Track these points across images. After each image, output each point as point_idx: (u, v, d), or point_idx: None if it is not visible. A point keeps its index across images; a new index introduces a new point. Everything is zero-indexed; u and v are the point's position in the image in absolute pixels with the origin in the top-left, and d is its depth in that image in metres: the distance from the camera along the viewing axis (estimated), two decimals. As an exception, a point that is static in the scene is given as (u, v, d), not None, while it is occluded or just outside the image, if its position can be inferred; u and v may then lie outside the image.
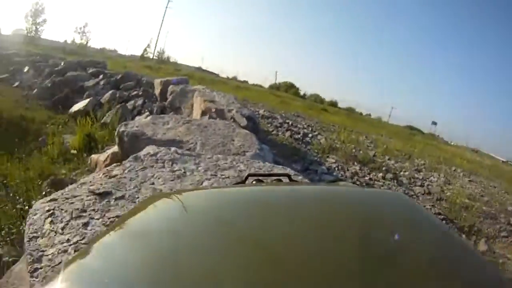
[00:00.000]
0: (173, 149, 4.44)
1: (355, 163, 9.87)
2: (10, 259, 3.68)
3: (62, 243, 2.44)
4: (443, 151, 19.07)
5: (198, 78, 23.87)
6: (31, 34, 50.78)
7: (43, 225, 2.56)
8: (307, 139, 11.12)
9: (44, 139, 10.40)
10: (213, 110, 9.03)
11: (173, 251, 1.17)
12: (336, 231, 1.31)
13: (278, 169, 4.49)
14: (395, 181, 9.32)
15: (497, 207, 9.20)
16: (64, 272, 1.06)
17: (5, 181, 6.36)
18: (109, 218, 2.72)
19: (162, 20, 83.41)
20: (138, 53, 51.31)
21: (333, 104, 45.93)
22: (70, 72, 18.22)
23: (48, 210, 2.71)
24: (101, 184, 3.17)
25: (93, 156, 7.61)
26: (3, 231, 4.70)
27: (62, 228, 2.57)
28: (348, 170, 9.19)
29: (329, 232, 1.29)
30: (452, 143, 38.08)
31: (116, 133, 6.14)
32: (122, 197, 3.04)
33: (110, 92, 14.90)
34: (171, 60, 51.28)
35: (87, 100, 14.06)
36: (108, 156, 6.59)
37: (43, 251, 2.38)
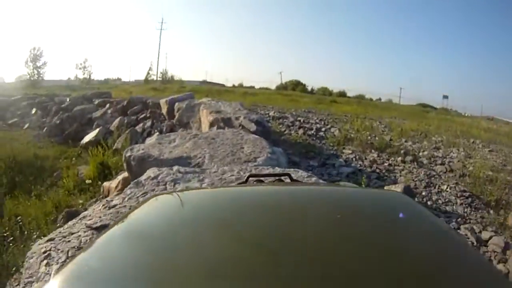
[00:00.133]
0: (175, 168, 4.33)
1: (372, 151, 9.73)
2: None
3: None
4: (459, 124, 18.71)
5: (205, 91, 23.88)
6: (34, 78, 51.26)
7: (39, 268, 2.49)
8: (321, 133, 11.00)
9: (59, 173, 10.48)
10: (220, 120, 8.92)
11: (174, 250, 1.18)
12: (336, 231, 1.32)
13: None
14: (415, 163, 9.12)
15: (521, 175, 8.89)
16: (65, 272, 1.08)
17: (19, 220, 6.30)
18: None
19: (159, 42, 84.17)
20: (142, 77, 51.57)
21: (342, 94, 45.99)
22: (77, 107, 18.34)
23: (45, 252, 2.64)
24: (100, 217, 3.08)
25: (105, 183, 7.55)
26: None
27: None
28: (366, 158, 9.06)
29: (330, 232, 1.31)
30: (466, 115, 37.63)
31: (123, 159, 6.08)
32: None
33: (118, 118, 14.98)
34: (176, 78, 51.47)
35: (97, 130, 14.15)
36: (119, 182, 6.51)
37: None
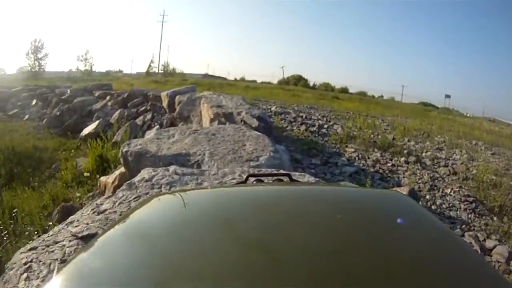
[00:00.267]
0: (172, 169, 4.17)
1: (375, 150, 9.58)
2: None
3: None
4: (461, 124, 18.56)
5: (207, 84, 23.76)
6: (35, 69, 51.56)
7: (18, 283, 2.34)
8: (323, 130, 10.85)
9: (57, 165, 10.51)
10: (221, 115, 8.77)
11: (173, 250, 1.18)
12: (336, 231, 1.30)
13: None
14: (419, 164, 8.98)
15: (525, 180, 8.76)
16: (64, 271, 1.08)
17: (14, 214, 6.15)
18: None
19: (161, 34, 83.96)
20: (144, 70, 51.43)
21: (344, 90, 45.69)
22: (77, 98, 18.30)
23: (26, 263, 2.50)
24: (87, 224, 2.93)
25: (101, 178, 7.42)
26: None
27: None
28: (369, 158, 8.91)
29: (329, 232, 1.29)
30: (468, 115, 37.47)
31: (120, 154, 5.94)
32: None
33: (118, 111, 14.91)
34: (177, 71, 51.37)
35: (97, 122, 14.11)
36: (116, 177, 6.38)
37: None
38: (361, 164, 8.47)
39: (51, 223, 5.80)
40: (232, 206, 1.58)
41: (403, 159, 9.07)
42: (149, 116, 13.73)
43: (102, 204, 3.26)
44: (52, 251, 2.55)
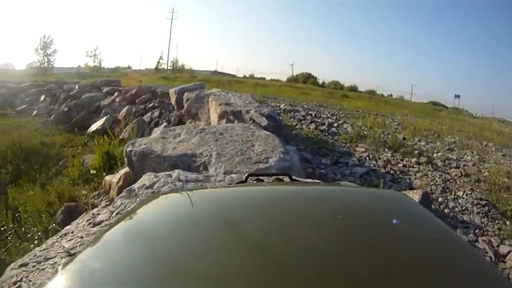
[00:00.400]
0: (175, 174, 4.03)
1: (386, 150, 9.43)
2: None
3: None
4: (471, 125, 18.30)
5: (215, 81, 23.72)
6: (44, 65, 52.02)
7: None
8: (333, 129, 10.68)
9: (64, 162, 10.47)
10: (230, 113, 8.62)
11: (173, 250, 1.17)
12: (336, 231, 1.30)
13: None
14: (430, 165, 8.81)
15: (538, 183, 8.57)
16: (65, 271, 1.08)
17: (17, 214, 6.09)
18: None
19: (170, 31, 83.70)
20: (153, 66, 51.51)
21: (353, 89, 45.55)
22: (85, 94, 18.25)
23: (15, 282, 2.37)
24: (81, 238, 2.82)
25: (106, 178, 7.35)
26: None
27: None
28: (379, 158, 8.75)
29: (329, 232, 1.29)
30: (477, 115, 37.15)
31: (124, 153, 5.82)
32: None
33: (126, 107, 14.78)
34: (186, 68, 51.49)
35: (104, 118, 14.06)
36: (120, 177, 6.26)
37: None
38: (372, 165, 8.32)
39: (54, 224, 5.75)
40: (232, 206, 1.58)
41: (414, 159, 8.91)
42: (156, 113, 13.61)
43: (98, 214, 3.11)
44: (43, 269, 2.42)
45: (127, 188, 3.63)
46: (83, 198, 7.30)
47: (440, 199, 6.91)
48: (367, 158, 8.69)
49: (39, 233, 5.20)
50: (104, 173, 8.34)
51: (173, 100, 13.82)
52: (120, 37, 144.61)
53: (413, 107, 26.10)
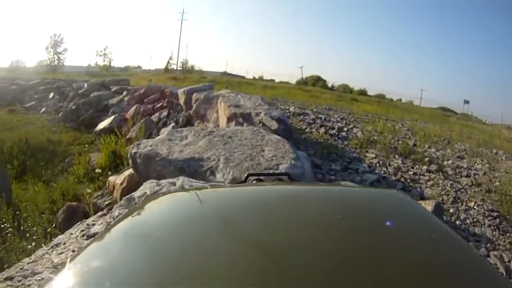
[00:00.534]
0: (179, 182, 3.92)
1: (396, 156, 9.27)
2: None
3: None
4: (480, 131, 18.04)
5: (225, 82, 23.79)
6: (54, 63, 52.33)
7: None
8: (343, 133, 10.54)
9: (70, 159, 10.50)
10: (239, 115, 8.48)
11: (173, 249, 1.17)
12: (336, 231, 1.31)
13: None
14: (440, 173, 8.65)
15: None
16: (65, 271, 1.08)
17: (18, 212, 5.96)
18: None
19: (180, 32, 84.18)
20: (162, 66, 51.71)
21: (362, 92, 45.62)
22: (94, 93, 18.22)
23: None
24: (73, 252, 2.68)
25: (110, 178, 7.28)
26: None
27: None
28: (390, 165, 8.60)
29: (329, 232, 1.29)
30: (486, 122, 36.86)
31: (129, 155, 5.70)
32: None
33: (134, 107, 14.72)
34: (196, 68, 51.75)
35: (112, 117, 14.03)
36: (124, 178, 6.17)
37: None
38: (382, 172, 8.17)
39: (53, 225, 5.73)
40: (232, 206, 1.58)
41: (424, 167, 8.75)
42: (165, 113, 13.52)
43: (93, 225, 2.97)
44: (29, 285, 2.27)
45: (127, 197, 3.49)
46: (87, 197, 7.29)
47: (451, 210, 6.76)
48: (377, 164, 8.55)
49: (39, 232, 5.14)
50: (110, 172, 8.35)
51: (181, 101, 13.70)
52: (131, 37, 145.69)
53: (423, 112, 26.00)
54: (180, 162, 5.03)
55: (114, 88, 18.98)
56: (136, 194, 3.60)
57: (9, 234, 4.96)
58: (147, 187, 3.79)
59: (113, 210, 3.23)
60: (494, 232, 6.26)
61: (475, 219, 6.58)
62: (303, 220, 1.37)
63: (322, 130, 10.42)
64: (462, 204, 7.07)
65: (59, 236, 3.02)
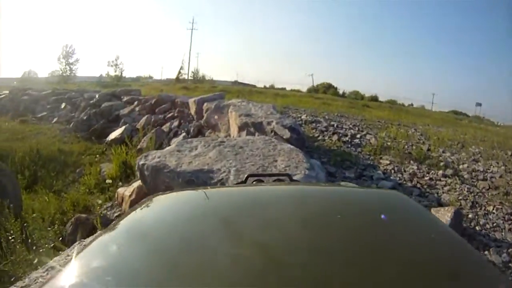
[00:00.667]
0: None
1: (411, 162, 9.11)
2: None
3: None
4: (493, 134, 17.80)
5: (236, 92, 23.90)
6: (66, 74, 53.03)
7: None
8: (356, 140, 10.43)
9: (81, 170, 10.54)
10: (250, 124, 8.36)
11: (173, 249, 1.20)
12: (335, 230, 1.32)
13: None
14: (457, 177, 8.44)
15: None
16: (66, 270, 1.13)
17: (26, 224, 5.90)
18: None
19: (191, 41, 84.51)
20: (174, 76, 52.04)
21: (374, 98, 45.65)
22: (105, 103, 18.26)
23: None
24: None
25: (119, 190, 7.25)
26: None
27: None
28: (405, 171, 8.44)
29: (329, 231, 1.31)
30: (499, 124, 36.42)
31: (136, 166, 5.61)
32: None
33: (145, 117, 14.70)
34: (207, 78, 52.15)
35: (123, 127, 14.02)
36: (133, 190, 6.11)
37: None
38: (398, 178, 8.02)
39: (60, 238, 5.72)
40: (232, 206, 1.60)
41: (440, 172, 8.57)
42: (176, 123, 13.47)
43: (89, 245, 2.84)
44: None
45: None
46: (98, 207, 7.27)
47: (470, 215, 6.58)
48: (392, 171, 8.40)
49: (45, 245, 5.09)
50: (120, 183, 8.35)
51: (192, 110, 13.69)
52: (142, 48, 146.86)
53: (435, 117, 25.90)
54: (189, 174, 4.92)
55: (125, 98, 19.00)
56: None
57: (17, 246, 4.87)
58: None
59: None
60: (515, 237, 6.11)
61: (494, 224, 6.41)
62: (303, 220, 1.38)
63: (335, 137, 10.29)
64: (480, 209, 6.92)
65: (55, 258, 2.95)
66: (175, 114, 14.56)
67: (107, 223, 3.82)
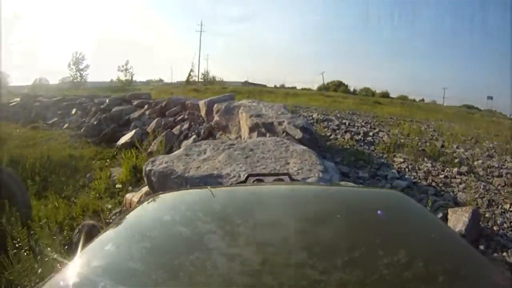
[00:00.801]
0: None
1: (425, 159, 8.98)
2: None
3: None
4: (506, 127, 17.53)
5: (246, 92, 24.10)
6: (77, 80, 53.90)
7: None
8: (369, 138, 10.32)
9: (91, 175, 10.45)
10: (261, 125, 8.24)
11: (173, 248, 1.22)
12: (336, 230, 1.34)
13: None
14: (472, 174, 8.31)
15: None
16: (67, 270, 1.15)
17: (33, 231, 5.81)
18: None
19: (200, 43, 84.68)
20: (184, 79, 52.20)
21: (385, 95, 45.87)
22: (115, 108, 18.25)
23: None
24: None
25: (127, 195, 7.20)
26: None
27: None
28: (419, 169, 8.31)
29: (329, 231, 1.33)
30: (511, 117, 35.97)
31: (143, 172, 5.51)
32: None
33: (155, 120, 14.65)
34: (217, 79, 52.37)
35: (133, 131, 13.93)
36: (141, 196, 6.05)
37: None
38: (412, 177, 7.88)
39: (66, 246, 5.63)
40: (232, 206, 1.62)
41: (455, 169, 8.43)
42: (186, 125, 13.41)
43: None
44: None
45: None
46: (107, 213, 7.22)
47: (487, 214, 6.42)
48: (406, 169, 8.27)
49: (51, 255, 4.91)
50: (130, 187, 8.30)
51: (203, 112, 13.65)
52: (152, 51, 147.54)
53: (446, 111, 25.73)
54: (197, 179, 4.83)
55: (135, 102, 19.01)
56: None
57: (24, 254, 4.79)
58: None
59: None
60: (532, 236, 5.94)
61: (512, 223, 6.25)
62: (303, 220, 1.40)
63: (348, 136, 10.18)
64: (497, 207, 6.76)
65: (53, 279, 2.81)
66: (185, 117, 14.52)
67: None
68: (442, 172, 8.25)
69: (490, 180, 8.14)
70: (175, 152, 6.14)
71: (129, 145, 12.06)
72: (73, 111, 20.76)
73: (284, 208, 1.55)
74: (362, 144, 9.72)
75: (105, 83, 51.67)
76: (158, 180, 5.18)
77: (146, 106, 17.57)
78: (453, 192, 7.30)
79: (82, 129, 16.67)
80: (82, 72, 55.14)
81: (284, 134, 7.80)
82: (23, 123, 19.07)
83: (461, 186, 7.57)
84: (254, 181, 2.27)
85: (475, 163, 9.20)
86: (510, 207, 6.73)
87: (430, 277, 1.05)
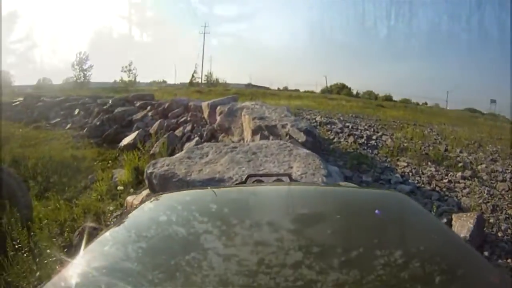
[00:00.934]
0: None
1: (429, 163, 8.92)
2: None
3: None
4: (509, 131, 17.24)
5: (249, 94, 24.34)
6: (80, 80, 53.86)
7: None
8: (372, 141, 10.27)
9: (93, 176, 10.45)
10: (264, 127, 8.20)
11: (173, 248, 1.22)
12: (335, 230, 1.34)
13: None
14: (476, 179, 8.26)
15: None
16: (67, 269, 1.15)
17: (33, 233, 5.79)
18: None
19: (203, 45, 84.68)
20: (187, 80, 52.27)
21: (388, 98, 45.83)
22: (118, 108, 18.22)
23: None
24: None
25: (128, 198, 7.14)
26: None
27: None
28: (423, 173, 8.27)
29: (329, 231, 1.34)
30: (514, 120, 35.84)
31: (144, 175, 5.48)
32: None
33: (158, 121, 14.62)
34: (220, 81, 52.49)
35: (136, 132, 13.90)
36: (142, 199, 5.98)
37: None
38: (416, 181, 7.83)
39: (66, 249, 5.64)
40: (232, 206, 1.61)
41: (459, 174, 8.36)
42: (189, 127, 13.37)
43: None
44: None
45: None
46: (108, 215, 7.17)
47: (491, 220, 6.36)
48: (410, 173, 8.22)
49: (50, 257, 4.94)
50: (132, 189, 8.26)
51: (205, 114, 13.64)
52: (155, 52, 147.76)
53: (449, 115, 25.71)
54: (199, 183, 4.82)
55: (138, 103, 18.97)
56: None
57: (24, 256, 4.81)
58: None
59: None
60: (537, 243, 5.90)
61: (516, 229, 6.20)
62: (303, 220, 1.40)
63: (351, 139, 10.15)
64: (501, 213, 6.70)
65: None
66: (188, 118, 14.48)
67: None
68: (446, 177, 8.20)
69: (494, 185, 8.09)
70: (177, 155, 6.10)
71: (132, 146, 12.02)
72: (76, 111, 20.75)
73: (284, 208, 1.56)
74: (366, 147, 9.68)
75: (108, 83, 51.70)
76: (159, 183, 5.15)
77: (149, 107, 17.56)
78: (457, 197, 7.24)
79: (85, 130, 16.66)
80: (85, 73, 55.27)
81: (288, 137, 7.77)
82: (26, 123, 19.08)
83: (465, 191, 7.51)
84: (254, 181, 2.29)
85: (479, 167, 9.15)
86: (514, 212, 6.63)
87: (430, 277, 1.05)
